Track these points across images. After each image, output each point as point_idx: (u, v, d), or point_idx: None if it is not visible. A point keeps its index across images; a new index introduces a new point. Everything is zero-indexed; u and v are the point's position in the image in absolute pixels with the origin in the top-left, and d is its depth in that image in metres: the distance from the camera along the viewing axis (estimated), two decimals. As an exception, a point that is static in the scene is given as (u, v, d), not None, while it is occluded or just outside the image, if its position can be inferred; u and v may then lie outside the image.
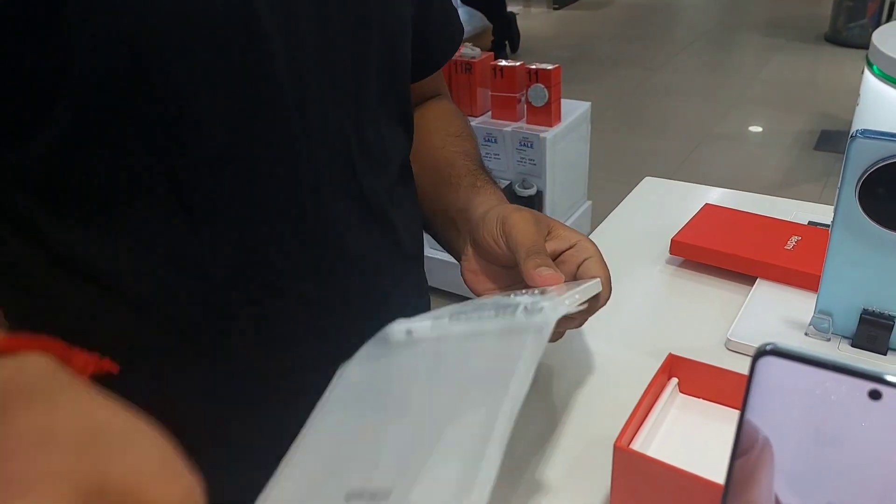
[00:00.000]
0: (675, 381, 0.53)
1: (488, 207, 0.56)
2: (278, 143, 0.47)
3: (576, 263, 0.53)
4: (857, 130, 0.53)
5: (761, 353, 0.31)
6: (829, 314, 0.62)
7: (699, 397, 0.53)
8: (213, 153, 0.45)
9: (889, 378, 0.29)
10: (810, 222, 0.81)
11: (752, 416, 0.31)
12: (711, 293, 0.74)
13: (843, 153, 0.55)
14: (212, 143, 0.45)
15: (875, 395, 0.29)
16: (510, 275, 0.55)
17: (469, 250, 0.57)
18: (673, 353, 0.53)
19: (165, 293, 0.47)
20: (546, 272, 0.48)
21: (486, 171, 0.66)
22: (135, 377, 0.36)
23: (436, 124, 0.69)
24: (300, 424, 0.36)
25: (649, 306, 0.73)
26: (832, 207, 0.64)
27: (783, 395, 0.31)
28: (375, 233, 0.57)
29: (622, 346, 0.67)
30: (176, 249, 0.46)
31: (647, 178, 0.99)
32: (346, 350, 0.42)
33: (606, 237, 0.87)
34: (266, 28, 0.44)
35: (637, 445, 0.48)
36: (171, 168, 0.44)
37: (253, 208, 0.47)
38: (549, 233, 0.54)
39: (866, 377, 0.29)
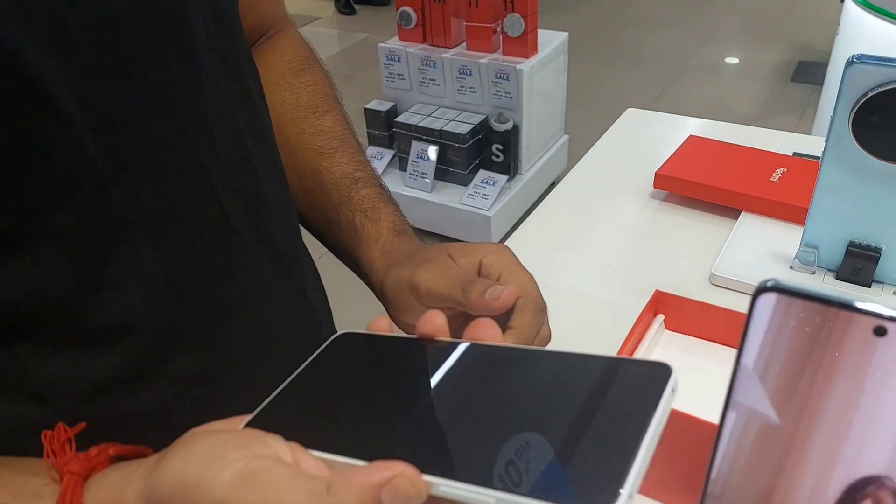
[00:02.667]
0: (661, 317, 0.52)
1: (381, 269, 0.51)
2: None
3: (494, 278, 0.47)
4: (853, 56, 0.50)
5: (762, 289, 0.30)
6: (815, 247, 0.61)
7: (685, 333, 0.52)
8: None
9: (893, 314, 0.27)
10: (795, 153, 0.80)
11: (751, 356, 0.30)
12: (696, 227, 0.72)
13: (821, 84, 0.53)
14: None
15: (880, 331, 0.28)
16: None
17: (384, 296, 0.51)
18: (659, 290, 0.51)
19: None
20: (499, 291, 0.42)
21: (361, 181, 0.58)
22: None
23: (283, 93, 0.59)
24: None
25: (632, 243, 0.72)
26: (818, 138, 0.62)
27: (783, 334, 0.29)
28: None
29: (606, 285, 0.65)
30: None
31: (629, 108, 0.97)
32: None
33: (588, 171, 0.85)
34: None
35: (624, 384, 0.47)
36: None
37: None
38: (455, 262, 0.48)
39: (871, 314, 0.28)
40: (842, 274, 0.61)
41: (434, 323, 0.36)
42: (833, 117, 0.53)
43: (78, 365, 0.40)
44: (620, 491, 0.24)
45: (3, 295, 0.36)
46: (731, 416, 0.31)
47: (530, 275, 0.47)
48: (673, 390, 0.29)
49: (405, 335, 0.38)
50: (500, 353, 0.34)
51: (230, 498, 0.28)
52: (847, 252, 0.59)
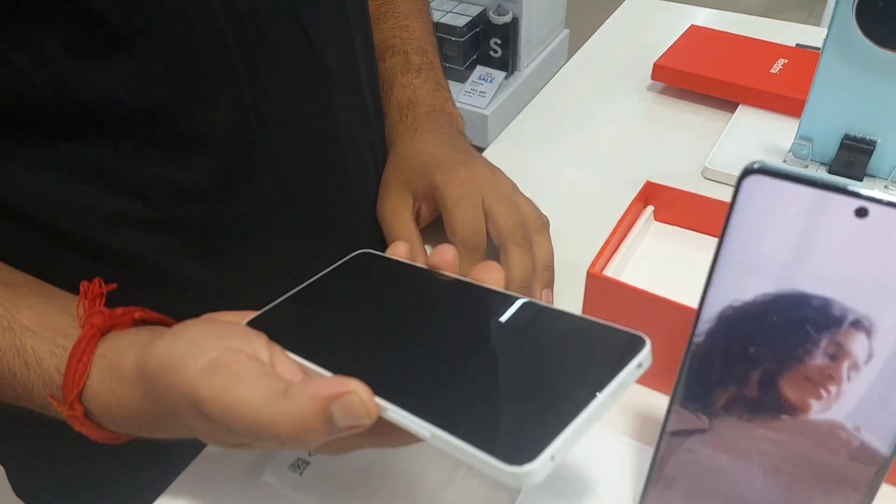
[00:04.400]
0: (651, 208, 0.52)
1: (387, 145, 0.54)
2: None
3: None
4: (862, -64, 0.48)
5: (748, 171, 0.30)
6: (810, 140, 0.61)
7: (675, 225, 0.52)
8: None
9: (876, 195, 0.28)
10: (798, 45, 0.78)
11: (735, 238, 0.30)
12: (692, 121, 0.72)
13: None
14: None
15: (862, 212, 0.28)
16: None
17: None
18: (650, 180, 0.51)
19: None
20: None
21: (391, 49, 0.62)
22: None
23: None
24: None
25: (628, 135, 0.71)
26: (823, 29, 0.60)
27: (768, 217, 0.30)
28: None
29: (598, 175, 0.65)
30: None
31: (631, -2, 0.93)
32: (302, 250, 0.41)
33: (586, 62, 0.83)
34: None
35: (610, 272, 0.48)
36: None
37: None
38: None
39: (853, 195, 0.28)
40: (835, 167, 0.61)
41: (444, 257, 0.37)
42: (837, 3, 0.52)
43: (172, 169, 0.43)
44: (543, 452, 0.24)
45: (111, 91, 0.38)
46: (712, 295, 0.32)
47: (474, 213, 0.49)
48: (640, 365, 0.28)
49: (417, 264, 0.39)
50: (491, 298, 0.35)
51: (198, 382, 0.30)
52: (841, 145, 0.59)
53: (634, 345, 0.29)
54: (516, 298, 0.34)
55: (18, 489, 0.62)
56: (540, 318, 0.33)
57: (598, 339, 0.31)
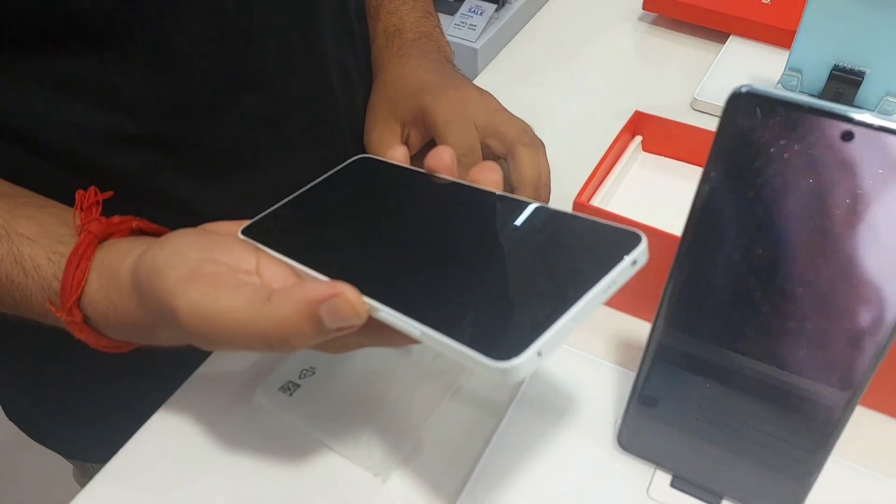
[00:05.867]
0: (639, 138, 0.52)
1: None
2: None
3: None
4: None
5: (736, 95, 0.30)
6: (799, 71, 0.61)
7: (663, 155, 0.53)
8: None
9: (861, 118, 0.28)
10: (792, -25, 0.76)
11: (720, 162, 0.31)
12: (683, 52, 0.71)
13: None
14: None
15: (847, 136, 0.28)
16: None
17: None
18: (638, 110, 0.51)
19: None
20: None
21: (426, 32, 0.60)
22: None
23: None
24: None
25: (617, 66, 0.70)
26: (820, -45, 0.59)
27: (754, 140, 0.30)
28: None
29: (587, 106, 0.65)
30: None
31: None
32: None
33: (575, -8, 0.81)
34: None
35: (597, 202, 0.48)
36: None
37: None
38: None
39: (839, 117, 0.28)
40: (824, 97, 0.61)
41: (441, 159, 0.37)
42: (833, -72, 0.51)
43: (157, 85, 0.42)
44: (529, 347, 0.25)
45: (95, 2, 0.37)
46: (696, 213, 0.32)
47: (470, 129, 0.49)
48: (635, 262, 0.28)
49: (415, 168, 0.39)
50: (486, 199, 0.34)
51: (177, 289, 0.30)
52: (830, 76, 0.59)
53: (630, 241, 0.28)
54: (510, 199, 0.33)
55: (10, 414, 0.63)
56: (534, 217, 0.32)
57: (592, 236, 0.30)
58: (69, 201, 0.38)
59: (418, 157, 0.55)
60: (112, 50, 0.40)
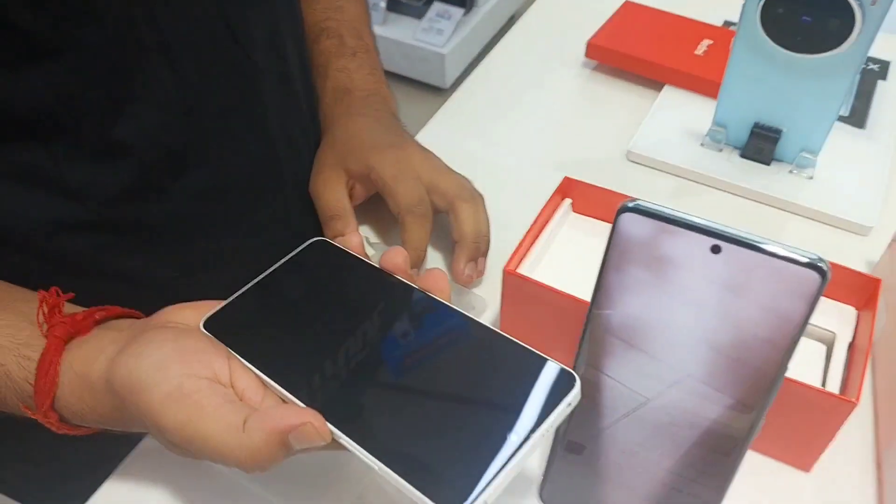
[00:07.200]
0: (568, 201, 0.56)
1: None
2: None
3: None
4: (765, -54, 0.51)
5: (623, 209, 0.34)
6: (724, 126, 0.65)
7: (592, 217, 0.56)
8: None
9: (727, 233, 0.32)
10: (726, 22, 0.81)
11: (611, 269, 0.34)
12: (623, 100, 0.75)
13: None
14: None
15: (716, 249, 0.32)
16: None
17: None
18: (567, 176, 0.55)
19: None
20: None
21: (326, 32, 0.63)
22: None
23: None
24: None
25: (558, 115, 0.74)
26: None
27: (638, 250, 0.34)
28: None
29: (527, 158, 0.68)
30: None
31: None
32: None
33: (521, 37, 0.85)
34: None
35: (527, 264, 0.51)
36: None
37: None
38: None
39: (708, 233, 0.32)
40: (746, 152, 0.65)
41: (394, 261, 0.39)
42: (744, 7, 0.55)
43: (103, 172, 0.45)
44: (477, 499, 0.28)
45: (43, 98, 0.40)
46: (595, 315, 0.36)
47: (418, 183, 0.52)
48: (570, 404, 0.32)
49: (370, 262, 0.41)
50: (437, 312, 0.37)
51: (163, 409, 0.33)
52: (752, 133, 0.63)
53: (565, 382, 0.32)
54: (459, 315, 0.37)
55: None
56: (481, 340, 0.36)
57: (533, 371, 0.33)
58: (23, 283, 0.41)
59: (361, 208, 0.58)
60: (58, 142, 0.42)
